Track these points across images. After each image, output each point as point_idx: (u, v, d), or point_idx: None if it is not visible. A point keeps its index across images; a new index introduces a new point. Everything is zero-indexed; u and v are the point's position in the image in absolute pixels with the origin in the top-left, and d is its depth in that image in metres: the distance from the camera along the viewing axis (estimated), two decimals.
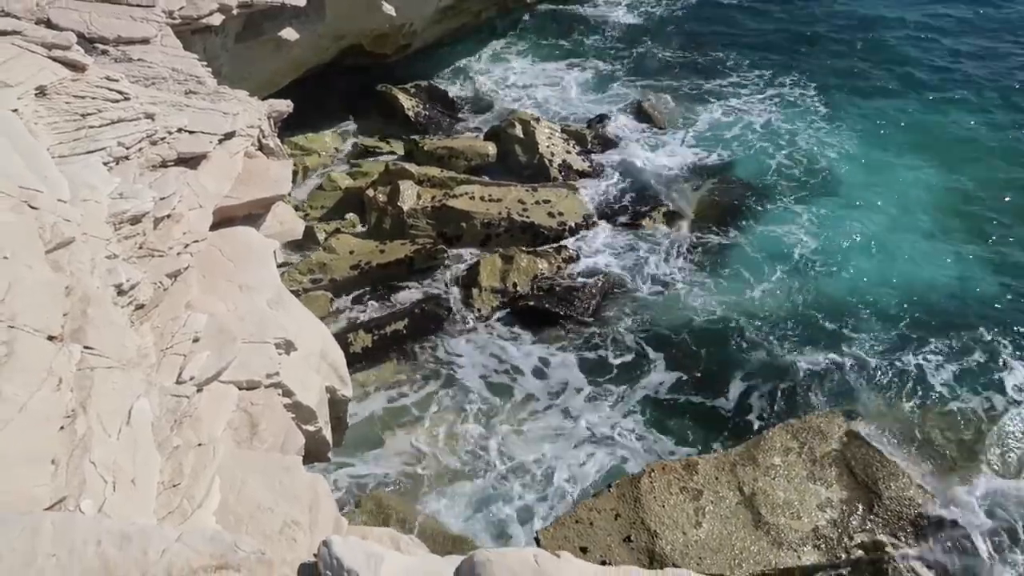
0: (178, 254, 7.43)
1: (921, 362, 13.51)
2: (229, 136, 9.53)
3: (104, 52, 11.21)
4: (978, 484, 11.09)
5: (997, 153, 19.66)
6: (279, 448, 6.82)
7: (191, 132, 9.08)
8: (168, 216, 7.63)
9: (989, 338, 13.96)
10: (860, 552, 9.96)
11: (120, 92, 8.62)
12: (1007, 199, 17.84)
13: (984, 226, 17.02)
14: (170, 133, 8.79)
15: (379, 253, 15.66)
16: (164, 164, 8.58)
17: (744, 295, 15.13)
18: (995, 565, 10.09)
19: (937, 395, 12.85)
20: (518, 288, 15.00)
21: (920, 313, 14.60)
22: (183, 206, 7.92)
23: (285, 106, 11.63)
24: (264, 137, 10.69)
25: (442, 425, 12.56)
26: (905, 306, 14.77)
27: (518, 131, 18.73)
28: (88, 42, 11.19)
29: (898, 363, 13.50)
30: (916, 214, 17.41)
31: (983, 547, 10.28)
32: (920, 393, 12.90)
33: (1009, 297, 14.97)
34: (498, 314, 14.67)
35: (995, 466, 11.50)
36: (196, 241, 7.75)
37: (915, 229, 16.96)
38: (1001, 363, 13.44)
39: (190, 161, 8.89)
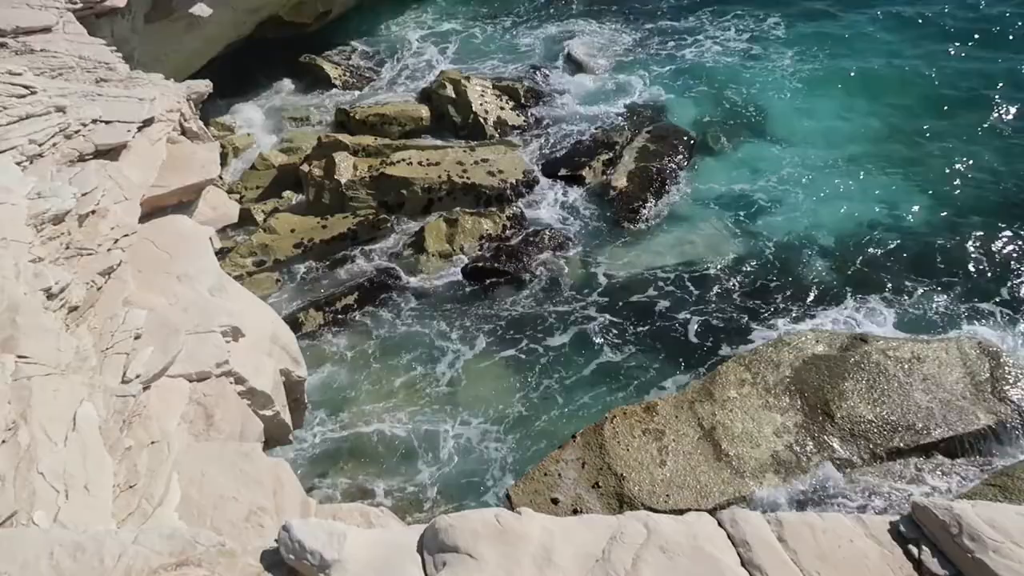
0: (108, 250, 7.17)
1: (859, 291, 13.94)
2: (148, 123, 9.18)
3: (3, 45, 10.63)
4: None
5: (924, 78, 20.08)
6: (237, 437, 6.73)
7: (107, 122, 8.72)
8: (93, 212, 7.34)
9: (917, 272, 14.35)
10: (820, 472, 10.35)
11: (25, 86, 8.23)
12: (931, 125, 18.31)
13: (913, 159, 17.30)
14: (84, 125, 8.43)
15: (321, 228, 15.40)
16: (82, 158, 8.24)
17: (685, 239, 15.32)
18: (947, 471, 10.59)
19: (876, 321, 13.31)
20: (465, 251, 14.93)
21: (855, 244, 15.00)
22: (107, 200, 7.62)
23: (204, 86, 11.22)
24: (186, 120, 10.32)
25: (404, 394, 12.54)
26: (841, 239, 15.15)
27: (449, 91, 18.46)
28: None
29: (838, 293, 13.92)
30: (850, 150, 17.62)
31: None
32: (859, 320, 13.35)
33: (936, 227, 15.37)
34: (448, 278, 14.60)
35: None
36: (126, 235, 7.49)
37: (849, 165, 17.19)
38: (925, 296, 13.88)
39: (110, 152, 8.55)
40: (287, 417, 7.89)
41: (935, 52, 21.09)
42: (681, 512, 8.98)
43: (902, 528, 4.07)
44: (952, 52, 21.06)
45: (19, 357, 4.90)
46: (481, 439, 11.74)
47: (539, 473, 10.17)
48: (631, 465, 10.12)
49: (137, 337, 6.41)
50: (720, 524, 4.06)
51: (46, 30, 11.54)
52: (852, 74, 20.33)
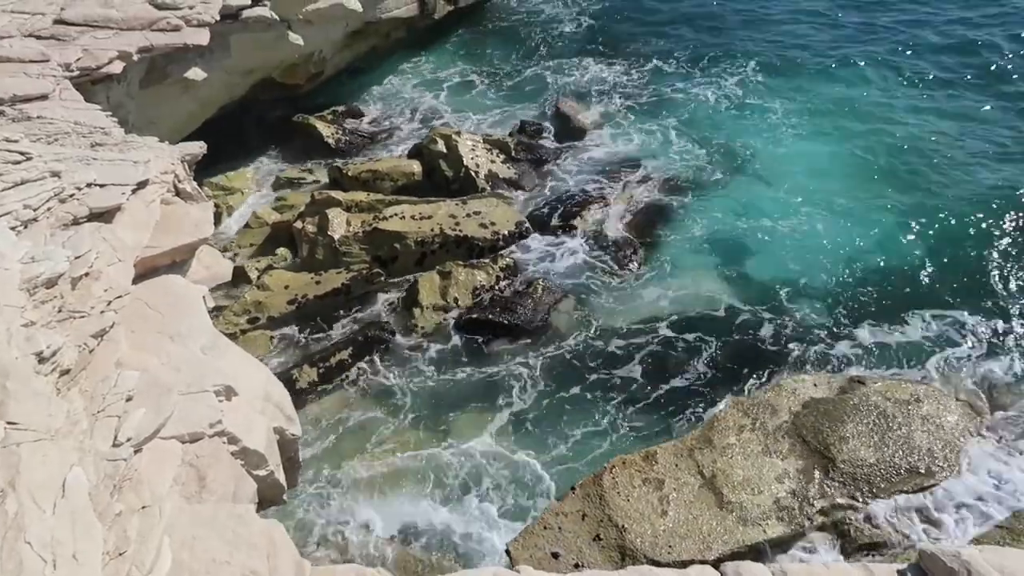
0: (101, 312, 7.16)
1: (853, 330, 13.99)
2: (142, 185, 9.26)
3: (0, 113, 10.79)
4: None
5: (900, 116, 20.58)
6: (230, 498, 6.62)
7: (101, 185, 8.79)
8: (86, 275, 7.35)
9: (908, 302, 14.52)
10: (822, 518, 10.20)
11: (21, 152, 8.30)
12: (911, 159, 18.73)
13: (894, 189, 17.75)
14: (79, 189, 8.49)
15: (315, 284, 15.41)
16: (76, 221, 8.28)
17: (679, 284, 15.40)
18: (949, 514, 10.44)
19: (872, 361, 13.33)
20: (460, 303, 14.95)
21: (847, 282, 15.12)
22: (101, 262, 7.64)
23: (198, 148, 11.36)
24: (180, 182, 10.42)
25: (400, 450, 12.39)
26: (833, 277, 15.28)
27: (440, 146, 18.69)
28: None
29: (833, 333, 13.96)
30: (834, 186, 17.99)
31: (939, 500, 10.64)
32: (855, 361, 13.36)
33: (924, 257, 15.61)
34: (442, 331, 14.57)
35: None
36: (119, 297, 7.48)
37: (834, 201, 17.48)
38: (921, 326, 14.00)
39: (104, 215, 8.60)
40: (281, 476, 7.78)
41: (916, 92, 21.67)
42: (685, 564, 8.82)
43: None
44: (933, 91, 21.65)
45: (9, 423, 4.84)
46: (476, 496, 11.57)
47: (539, 527, 9.99)
48: (632, 516, 9.96)
49: (129, 399, 6.35)
50: None
51: (43, 97, 11.74)
52: (835, 116, 20.79)
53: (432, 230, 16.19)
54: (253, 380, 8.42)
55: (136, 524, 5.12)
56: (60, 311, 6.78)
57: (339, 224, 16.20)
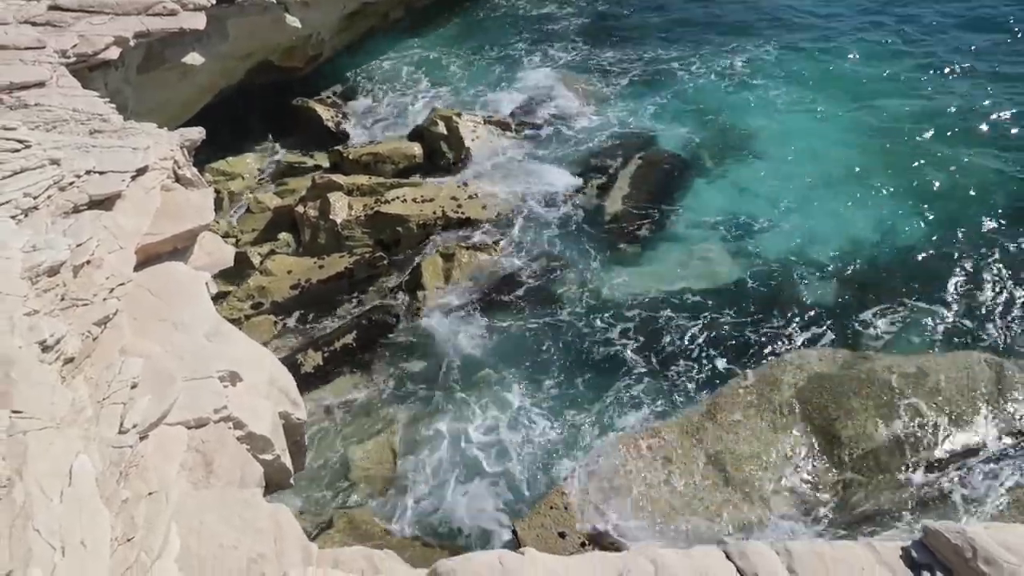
0: (104, 300, 7.15)
1: (856, 306, 13.94)
2: (142, 172, 9.22)
3: None
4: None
5: (900, 99, 20.40)
6: (237, 483, 6.64)
7: (101, 173, 8.75)
8: (87, 262, 7.33)
9: (913, 287, 14.41)
10: (827, 493, 10.23)
11: (20, 140, 8.25)
12: (913, 141, 18.55)
13: (901, 179, 17.55)
14: (78, 176, 8.45)
15: (318, 269, 15.41)
16: (77, 209, 8.26)
17: (681, 262, 15.35)
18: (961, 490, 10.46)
19: (876, 338, 13.28)
20: (462, 284, 14.91)
21: (848, 265, 15.03)
22: (102, 250, 7.62)
23: (197, 133, 11.29)
24: (180, 168, 10.36)
25: (406, 431, 12.42)
26: (834, 257, 15.20)
27: (441, 128, 18.59)
28: None
29: (835, 309, 13.90)
30: (841, 170, 17.85)
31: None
32: (859, 338, 13.31)
33: (930, 242, 15.49)
34: (446, 313, 14.54)
35: None
36: (121, 284, 7.46)
37: (840, 185, 17.35)
38: (924, 310, 13.93)
39: (104, 202, 8.57)
40: (287, 460, 7.80)
41: (920, 78, 21.40)
42: (691, 541, 8.85)
43: (914, 553, 3.99)
44: (936, 77, 21.43)
45: (13, 412, 4.85)
46: (482, 477, 11.60)
47: (545, 507, 10.05)
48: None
49: (134, 386, 6.35)
50: (728, 557, 3.98)
51: (40, 84, 11.65)
52: (838, 99, 20.61)
53: (434, 212, 16.14)
54: (258, 365, 8.41)
55: (143, 510, 5.13)
56: (63, 299, 6.78)
57: (341, 208, 16.16)
